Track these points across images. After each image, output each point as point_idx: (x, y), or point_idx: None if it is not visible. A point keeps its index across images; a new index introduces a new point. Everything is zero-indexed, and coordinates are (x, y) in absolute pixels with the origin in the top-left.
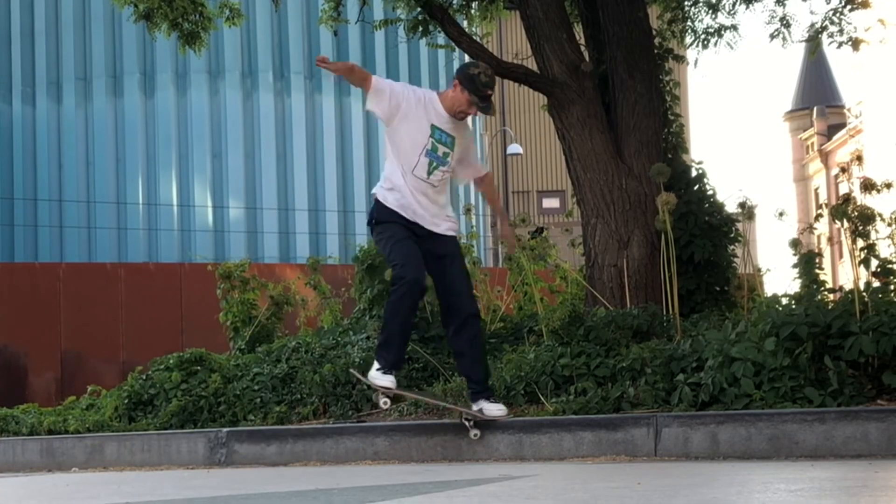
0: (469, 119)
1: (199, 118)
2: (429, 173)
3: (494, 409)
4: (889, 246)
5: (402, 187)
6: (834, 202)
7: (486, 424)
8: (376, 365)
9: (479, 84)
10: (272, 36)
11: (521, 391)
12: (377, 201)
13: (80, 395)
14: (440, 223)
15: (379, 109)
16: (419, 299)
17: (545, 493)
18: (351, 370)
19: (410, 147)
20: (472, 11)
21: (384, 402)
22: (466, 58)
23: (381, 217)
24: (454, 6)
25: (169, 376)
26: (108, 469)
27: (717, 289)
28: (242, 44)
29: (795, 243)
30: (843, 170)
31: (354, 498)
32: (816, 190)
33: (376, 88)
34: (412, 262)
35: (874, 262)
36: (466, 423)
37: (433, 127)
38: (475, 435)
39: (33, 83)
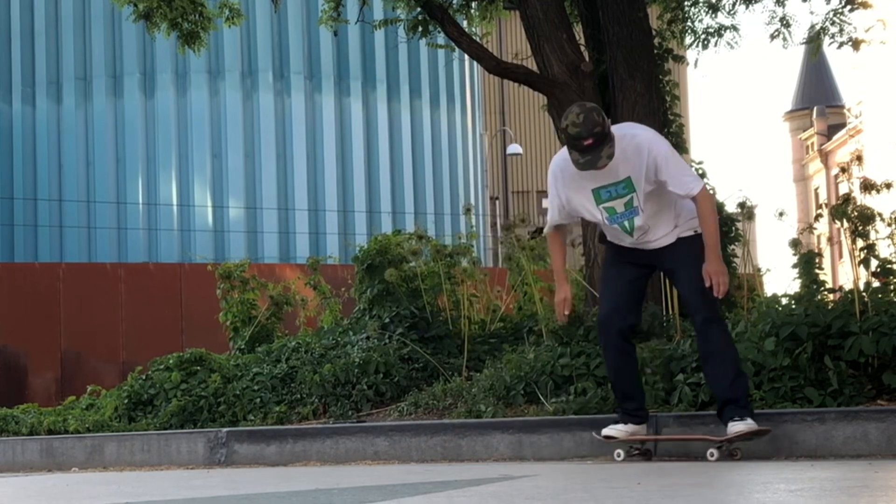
0: (634, 140)
1: (199, 118)
2: (630, 232)
3: (730, 428)
4: (889, 246)
5: (615, 244)
6: (834, 202)
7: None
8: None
9: (570, 139)
10: (272, 36)
11: (521, 391)
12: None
13: (80, 395)
14: (663, 240)
15: (571, 221)
16: (616, 339)
17: (545, 493)
18: (593, 433)
19: (594, 222)
20: (472, 11)
21: (616, 455)
22: (466, 58)
23: (602, 238)
24: (454, 6)
25: (169, 376)
26: (108, 469)
27: None
28: (242, 44)
29: (795, 243)
30: (843, 170)
31: (354, 498)
32: (816, 190)
33: (553, 224)
34: (606, 302)
35: (874, 262)
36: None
37: (594, 192)
38: (710, 454)
39: (33, 83)
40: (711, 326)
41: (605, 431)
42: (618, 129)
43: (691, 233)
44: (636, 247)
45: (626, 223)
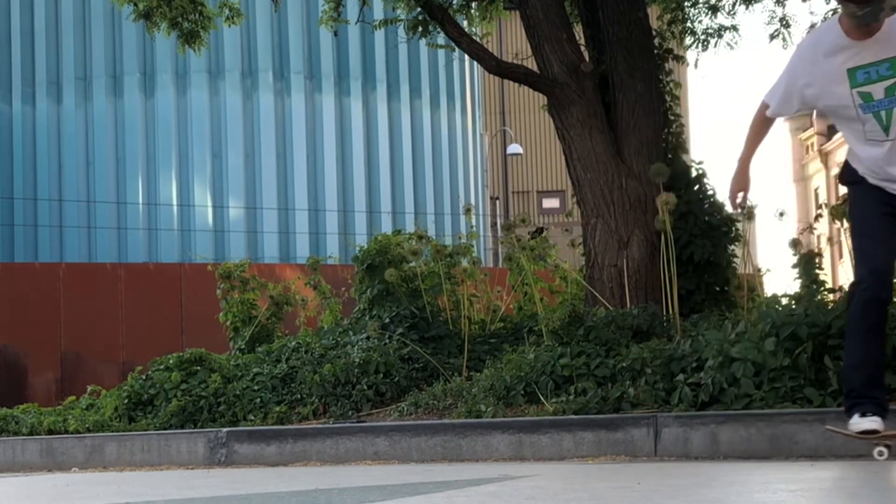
0: None
1: (199, 118)
2: (886, 129)
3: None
4: None
5: (864, 160)
6: (834, 202)
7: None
8: (848, 406)
9: None
10: (272, 36)
11: (521, 391)
12: (846, 161)
13: (80, 395)
14: None
15: (792, 112)
16: (872, 310)
17: (545, 493)
18: (828, 427)
19: (842, 116)
20: (472, 11)
21: (878, 453)
22: (466, 58)
23: (850, 177)
24: (454, 6)
25: (169, 376)
26: (108, 469)
27: (717, 289)
28: (242, 44)
29: (795, 243)
30: None
31: (354, 498)
32: (816, 190)
33: (776, 110)
34: (874, 263)
35: None
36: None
37: (850, 72)
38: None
39: (33, 83)
40: None
41: (864, 425)
42: None
43: None
44: (884, 184)
45: (884, 114)
